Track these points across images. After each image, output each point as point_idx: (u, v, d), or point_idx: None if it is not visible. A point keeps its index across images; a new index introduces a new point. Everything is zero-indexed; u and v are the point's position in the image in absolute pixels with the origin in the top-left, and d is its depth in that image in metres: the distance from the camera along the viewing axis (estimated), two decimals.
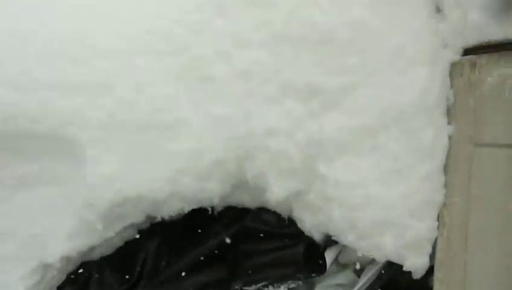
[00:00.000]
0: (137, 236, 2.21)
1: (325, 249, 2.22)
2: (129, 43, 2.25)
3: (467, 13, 1.95)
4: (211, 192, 2.16)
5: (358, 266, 2.22)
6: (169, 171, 2.12)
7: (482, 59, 1.94)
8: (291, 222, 2.24)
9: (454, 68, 2.06)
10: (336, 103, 2.14)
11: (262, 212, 2.25)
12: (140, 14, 2.31)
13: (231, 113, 2.18)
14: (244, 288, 2.22)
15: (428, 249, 2.02)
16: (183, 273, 2.19)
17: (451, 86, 2.07)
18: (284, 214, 2.25)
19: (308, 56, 2.18)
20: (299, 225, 2.22)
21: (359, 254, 2.10)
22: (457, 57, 2.05)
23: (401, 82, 2.10)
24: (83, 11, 2.31)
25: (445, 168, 2.04)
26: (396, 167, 2.06)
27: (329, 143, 2.12)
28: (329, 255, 2.22)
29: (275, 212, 2.25)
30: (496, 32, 1.88)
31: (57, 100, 2.12)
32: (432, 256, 2.03)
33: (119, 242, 2.20)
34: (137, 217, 2.15)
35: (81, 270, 2.19)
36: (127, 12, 2.31)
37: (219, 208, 2.27)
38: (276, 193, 2.16)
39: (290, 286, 2.24)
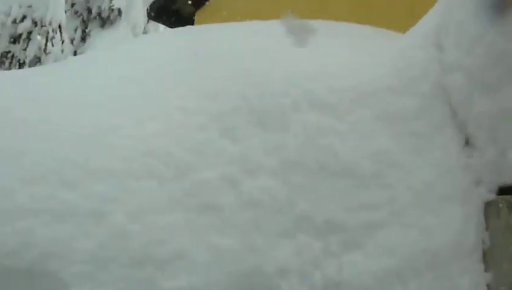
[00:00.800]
0: None
1: None
2: (126, 165, 2.02)
3: (505, 150, 1.81)
4: None
5: None
6: None
7: None
8: None
9: (489, 208, 1.91)
10: (358, 242, 1.94)
11: None
12: (139, 133, 2.10)
13: (237, 246, 1.95)
14: None
15: None
16: None
17: (487, 228, 1.89)
18: None
19: (327, 188, 2.00)
20: None
21: None
22: (492, 195, 1.91)
23: (431, 222, 1.93)
24: (76, 126, 2.10)
25: None
26: None
27: (351, 288, 1.90)
28: None
29: None
30: None
31: (39, 229, 1.86)
32: None
33: None
34: None
35: None
36: (125, 130, 2.11)
37: None
38: None
39: None
